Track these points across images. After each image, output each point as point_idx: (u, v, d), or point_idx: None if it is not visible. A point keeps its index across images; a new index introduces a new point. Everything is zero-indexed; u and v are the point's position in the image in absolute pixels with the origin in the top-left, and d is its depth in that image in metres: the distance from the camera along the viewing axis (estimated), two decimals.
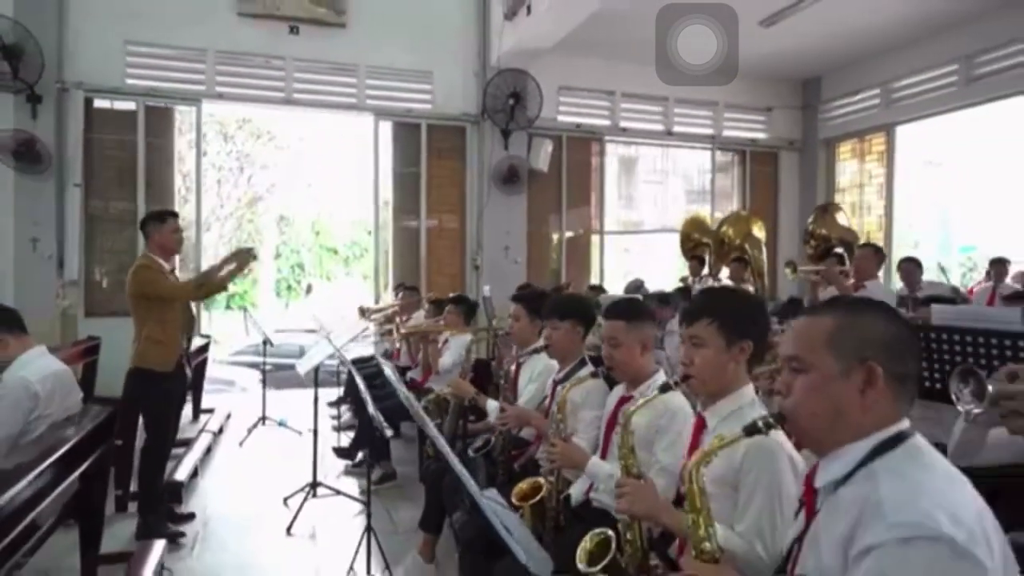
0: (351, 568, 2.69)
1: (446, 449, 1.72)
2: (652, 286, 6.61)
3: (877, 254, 4.35)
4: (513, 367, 2.95)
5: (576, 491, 2.16)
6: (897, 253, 7.53)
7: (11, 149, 5.89)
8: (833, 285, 4.24)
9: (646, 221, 9.88)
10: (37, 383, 2.46)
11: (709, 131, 8.80)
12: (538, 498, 1.94)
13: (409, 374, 4.98)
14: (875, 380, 1.05)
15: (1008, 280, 6.58)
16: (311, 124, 13.78)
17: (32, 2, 6.05)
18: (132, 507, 3.56)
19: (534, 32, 6.54)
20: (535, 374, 2.89)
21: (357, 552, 2.73)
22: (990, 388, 1.46)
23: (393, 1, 7.12)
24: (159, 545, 2.84)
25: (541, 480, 2.01)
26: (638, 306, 2.16)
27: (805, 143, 9.15)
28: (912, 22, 6.96)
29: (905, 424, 1.07)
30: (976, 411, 1.48)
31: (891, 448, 1.03)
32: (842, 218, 6.34)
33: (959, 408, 1.55)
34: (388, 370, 2.63)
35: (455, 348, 4.18)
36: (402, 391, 2.39)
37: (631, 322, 2.04)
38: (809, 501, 1.14)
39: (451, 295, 5.15)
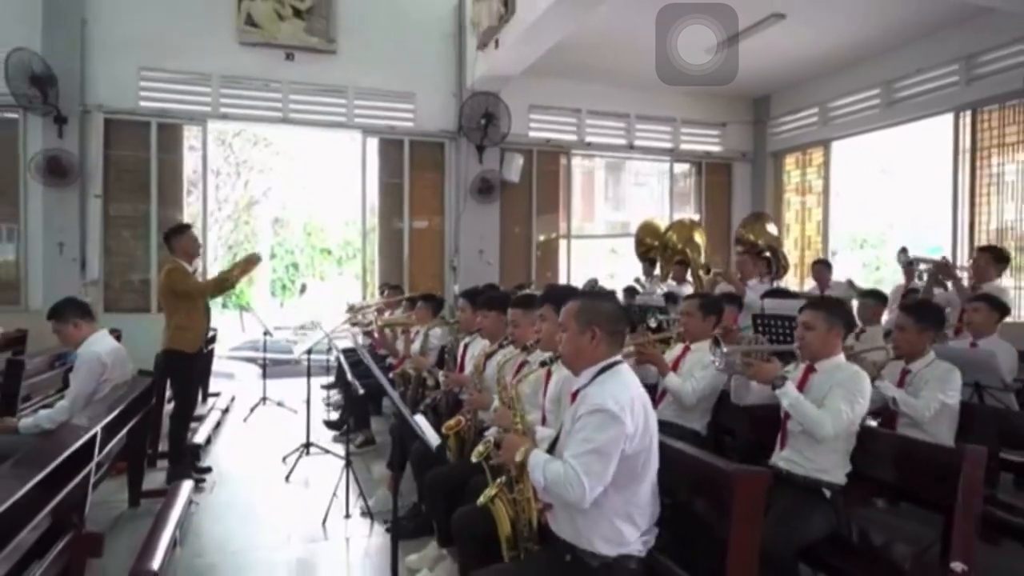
0: (334, 494, 3.57)
1: (387, 385, 2.61)
2: (621, 285, 7.50)
3: (756, 259, 5.33)
4: (460, 348, 3.83)
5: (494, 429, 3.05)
6: (875, 254, 8.17)
7: (43, 169, 6.74)
8: (731, 284, 5.18)
9: (632, 223, 10.67)
10: (105, 355, 3.36)
11: (668, 144, 9.68)
12: (457, 429, 2.84)
13: (387, 360, 5.85)
14: (597, 335, 1.95)
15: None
16: (305, 134, 14.56)
17: (57, 35, 6.90)
18: (159, 464, 4.45)
19: (504, 61, 7.40)
20: (476, 353, 3.75)
21: (338, 482, 3.61)
22: (722, 349, 2.35)
23: (379, 30, 7.98)
24: (188, 484, 3.69)
25: (461, 417, 2.91)
26: (531, 298, 3.04)
27: (756, 155, 10.03)
28: (840, 50, 7.86)
29: (618, 357, 1.98)
30: (716, 363, 2.38)
31: (608, 370, 1.94)
32: (772, 228, 7.19)
33: (712, 361, 2.45)
34: (360, 349, 3.49)
35: (423, 337, 5.05)
36: (373, 367, 3.23)
37: (526, 310, 2.91)
38: (572, 400, 2.02)
39: (421, 293, 6.02)
